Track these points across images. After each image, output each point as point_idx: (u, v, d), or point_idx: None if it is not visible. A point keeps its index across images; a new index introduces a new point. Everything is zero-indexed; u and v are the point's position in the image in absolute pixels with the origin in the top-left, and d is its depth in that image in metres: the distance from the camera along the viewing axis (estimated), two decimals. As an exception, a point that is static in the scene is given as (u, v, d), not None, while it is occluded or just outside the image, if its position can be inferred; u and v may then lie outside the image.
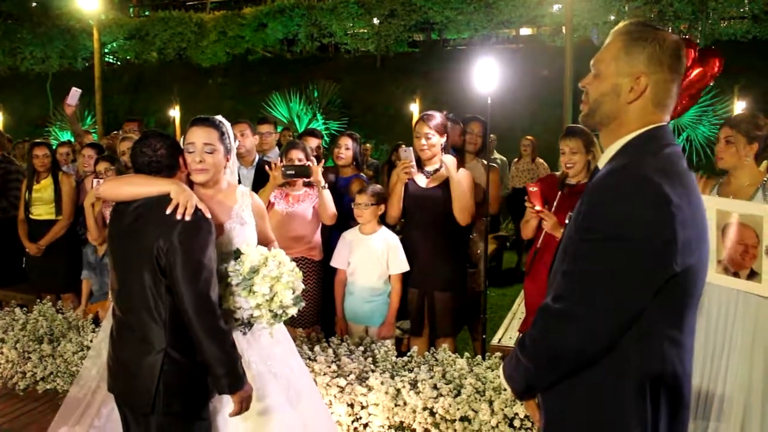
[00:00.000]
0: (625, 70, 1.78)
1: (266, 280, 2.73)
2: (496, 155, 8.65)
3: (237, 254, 2.78)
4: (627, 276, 1.63)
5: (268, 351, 2.96)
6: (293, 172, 4.25)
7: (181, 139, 2.94)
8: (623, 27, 1.84)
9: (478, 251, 4.92)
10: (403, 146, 4.46)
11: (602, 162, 1.86)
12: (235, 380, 2.54)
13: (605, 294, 1.65)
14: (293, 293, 2.81)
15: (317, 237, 4.54)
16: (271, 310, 2.77)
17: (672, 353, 1.74)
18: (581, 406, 1.79)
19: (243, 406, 2.61)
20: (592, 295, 1.67)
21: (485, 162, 4.94)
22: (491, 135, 7.63)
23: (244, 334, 2.84)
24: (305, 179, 4.40)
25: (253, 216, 3.01)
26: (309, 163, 4.35)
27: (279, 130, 8.03)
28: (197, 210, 2.55)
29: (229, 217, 2.91)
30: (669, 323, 1.72)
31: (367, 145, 11.27)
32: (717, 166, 3.65)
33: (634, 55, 1.77)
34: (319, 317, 4.53)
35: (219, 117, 2.96)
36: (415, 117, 14.89)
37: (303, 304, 2.89)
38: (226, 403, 2.76)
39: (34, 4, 20.69)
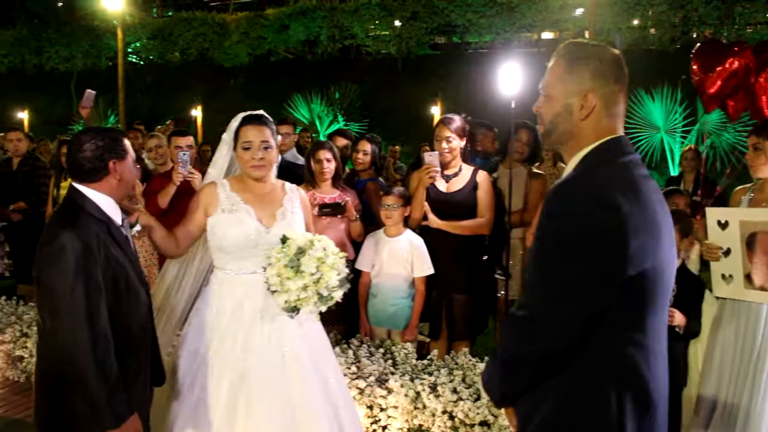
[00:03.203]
0: (573, 90, 1.85)
1: (312, 261, 2.80)
2: (560, 164, 8.39)
3: (284, 240, 2.86)
4: (582, 280, 1.69)
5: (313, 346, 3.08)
6: (329, 210, 4.33)
7: (228, 137, 3.07)
8: (563, 49, 1.92)
9: (519, 258, 4.95)
10: (428, 151, 4.46)
11: (565, 174, 1.91)
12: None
13: (562, 299, 1.71)
14: (338, 275, 2.87)
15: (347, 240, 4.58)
16: (317, 292, 2.82)
17: (637, 357, 1.78)
18: (549, 411, 1.83)
19: None
20: (550, 300, 1.73)
21: (533, 170, 4.97)
22: None
23: (292, 317, 2.91)
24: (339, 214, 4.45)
25: (300, 208, 3.14)
26: (344, 200, 4.40)
27: (297, 131, 8.06)
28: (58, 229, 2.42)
29: (281, 206, 3.05)
30: (631, 327, 1.77)
31: (396, 147, 11.21)
32: (752, 175, 3.64)
33: (579, 74, 1.84)
34: (347, 315, 4.53)
35: (264, 113, 3.11)
36: (437, 119, 14.87)
37: (348, 286, 2.96)
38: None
39: (60, 4, 20.93)
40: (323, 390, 3.04)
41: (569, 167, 1.91)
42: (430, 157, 4.27)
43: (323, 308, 2.90)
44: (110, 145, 2.60)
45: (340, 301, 2.93)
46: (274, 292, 2.82)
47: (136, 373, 2.70)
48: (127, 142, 2.70)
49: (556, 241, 1.73)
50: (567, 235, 1.71)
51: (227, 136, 3.17)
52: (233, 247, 3.00)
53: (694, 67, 4.56)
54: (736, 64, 4.38)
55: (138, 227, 3.11)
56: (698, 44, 4.69)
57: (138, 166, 5.43)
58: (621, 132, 1.90)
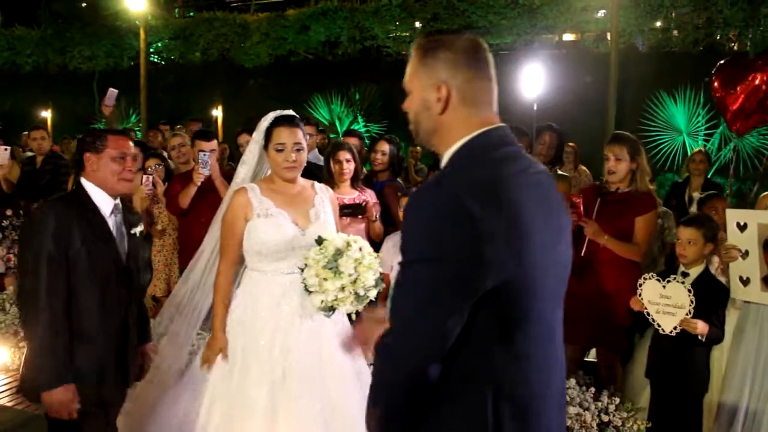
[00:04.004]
0: (427, 83, 1.79)
1: (350, 262, 2.85)
2: (581, 167, 8.29)
3: (320, 241, 2.90)
4: (439, 297, 1.60)
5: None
6: (349, 211, 4.37)
7: (258, 136, 3.11)
8: (416, 42, 1.86)
9: None
10: None
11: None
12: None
13: (421, 318, 1.62)
14: (375, 275, 2.93)
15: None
16: (355, 292, 2.86)
17: (511, 369, 1.72)
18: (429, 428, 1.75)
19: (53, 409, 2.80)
20: (409, 321, 1.64)
21: (557, 172, 4.97)
22: (570, 144, 7.55)
23: (328, 317, 2.94)
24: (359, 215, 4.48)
25: (330, 208, 3.19)
26: (364, 201, 4.44)
27: (314, 132, 8.08)
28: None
29: (313, 206, 3.08)
30: (501, 339, 1.70)
31: (418, 148, 11.18)
32: None
33: (430, 66, 1.78)
34: None
35: (295, 114, 3.16)
36: (456, 121, 14.84)
37: (383, 285, 2.99)
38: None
39: (83, 4, 21.13)
40: (359, 388, 3.06)
41: (442, 164, 1.84)
42: None
43: (360, 307, 2.94)
44: (90, 140, 3.00)
45: (374, 299, 2.96)
46: (311, 292, 2.85)
47: (102, 370, 2.93)
48: (111, 141, 2.99)
49: (412, 257, 1.65)
50: (421, 251, 1.63)
51: (257, 136, 3.21)
52: (271, 250, 3.04)
53: (716, 84, 4.53)
54: (758, 79, 4.34)
55: (140, 227, 3.22)
56: (720, 62, 4.64)
57: (161, 166, 5.52)
58: (496, 121, 1.81)
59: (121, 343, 3.02)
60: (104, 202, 3.02)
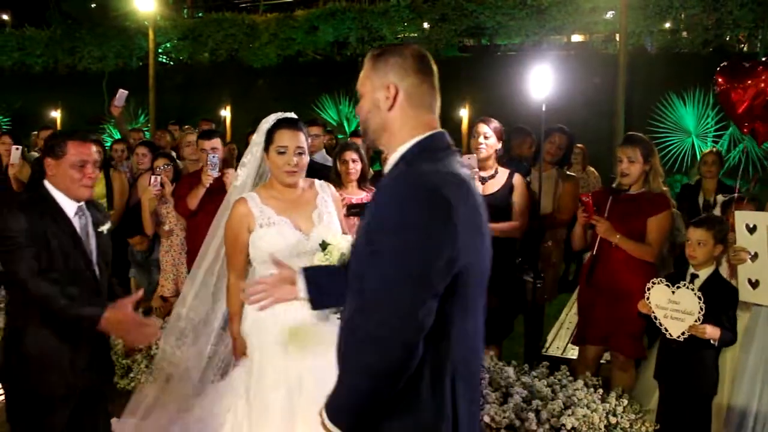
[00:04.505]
0: (378, 84, 1.97)
1: None
2: (590, 168, 8.29)
3: (324, 246, 2.84)
4: (417, 274, 1.73)
5: None
6: (357, 211, 4.39)
7: (259, 138, 3.08)
8: (369, 53, 2.08)
9: (551, 262, 4.94)
10: (467, 155, 4.50)
11: (386, 169, 2.01)
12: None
13: (401, 297, 1.73)
14: None
15: None
16: None
17: (466, 344, 1.93)
18: (396, 410, 1.84)
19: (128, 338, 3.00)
20: (388, 302, 1.73)
21: (565, 173, 4.97)
22: (579, 145, 7.55)
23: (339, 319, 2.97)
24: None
25: (334, 206, 3.14)
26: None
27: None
28: None
29: (315, 207, 3.04)
30: (461, 318, 1.89)
31: None
32: None
33: (381, 69, 1.97)
34: None
35: (297, 117, 3.12)
36: (465, 122, 14.83)
37: None
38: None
39: (93, 5, 21.21)
40: None
41: (389, 163, 1.98)
42: (468, 160, 4.31)
43: None
44: (51, 146, 3.04)
45: None
46: None
47: (72, 360, 3.02)
48: (71, 148, 3.02)
49: (388, 241, 1.76)
50: (399, 235, 1.74)
51: (258, 138, 3.16)
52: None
53: (720, 80, 4.49)
54: (762, 84, 4.31)
55: (108, 225, 3.27)
56: (723, 63, 4.59)
57: (169, 166, 5.53)
58: (438, 126, 1.99)
59: (90, 335, 3.09)
60: (68, 205, 3.07)
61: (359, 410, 1.82)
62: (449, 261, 1.76)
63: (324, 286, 2.34)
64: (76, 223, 3.09)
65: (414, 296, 1.73)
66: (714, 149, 6.94)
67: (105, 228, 3.24)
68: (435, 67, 2.01)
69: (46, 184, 3.05)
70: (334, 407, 1.86)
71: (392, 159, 1.98)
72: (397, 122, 1.96)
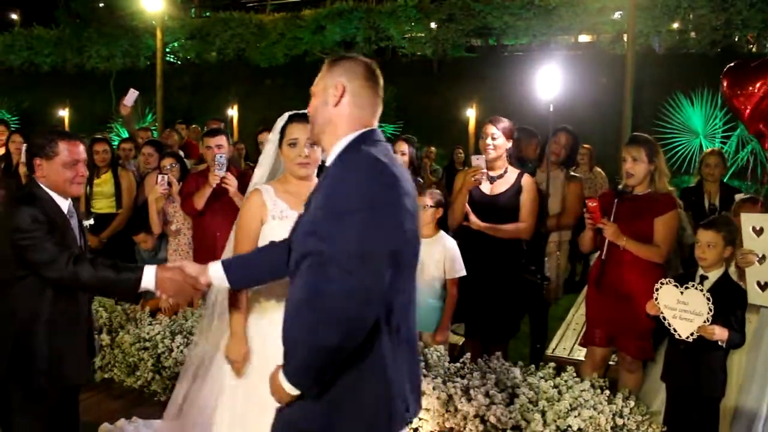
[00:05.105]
0: (330, 83, 2.19)
1: None
2: (597, 169, 8.25)
3: None
4: (375, 249, 1.90)
5: None
6: None
7: (274, 136, 3.10)
8: (327, 58, 2.29)
9: (557, 263, 4.94)
10: (475, 155, 4.50)
11: (329, 161, 2.19)
12: None
13: (371, 255, 1.90)
14: None
15: None
16: None
17: (406, 310, 2.15)
18: (348, 370, 2.02)
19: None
20: (358, 272, 1.89)
21: (570, 173, 4.95)
22: (586, 145, 7.51)
23: None
24: None
25: None
26: None
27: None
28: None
29: None
30: (404, 285, 2.09)
31: (432, 148, 11.20)
32: None
33: (335, 71, 2.20)
34: None
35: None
36: (472, 122, 14.81)
37: None
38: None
39: (101, 5, 21.30)
40: None
41: (333, 153, 2.18)
42: (477, 161, 4.30)
43: None
44: (39, 146, 3.04)
45: None
46: None
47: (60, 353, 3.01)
48: (62, 147, 3.04)
49: (355, 208, 1.92)
50: (356, 207, 1.91)
51: (273, 136, 3.18)
52: None
53: (725, 83, 4.45)
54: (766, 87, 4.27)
55: (91, 221, 3.31)
56: (729, 65, 4.53)
57: (176, 165, 5.53)
58: (375, 126, 2.22)
59: (83, 327, 3.17)
60: (61, 203, 3.10)
61: (317, 373, 1.99)
62: (405, 231, 1.97)
63: (240, 265, 2.63)
64: (73, 218, 3.17)
65: (379, 267, 1.90)
66: (716, 149, 6.42)
67: (88, 223, 3.30)
68: (381, 81, 2.25)
69: (38, 182, 3.06)
70: (291, 371, 2.03)
71: (335, 149, 2.17)
72: (340, 118, 2.17)
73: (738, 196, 5.00)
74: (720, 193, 5.51)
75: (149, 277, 2.82)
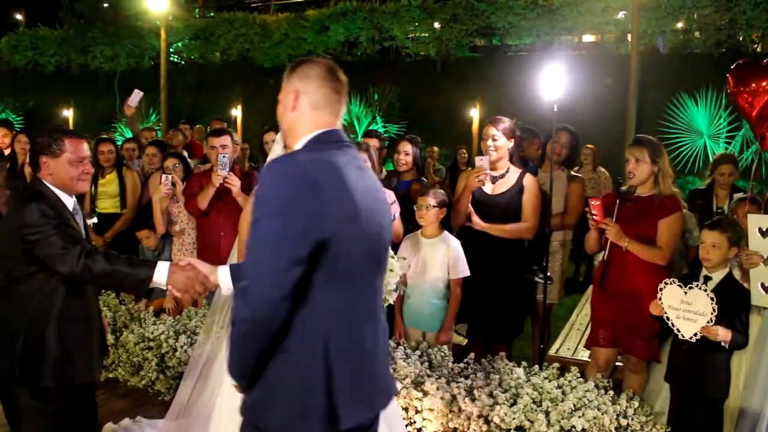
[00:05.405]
0: (288, 89, 2.28)
1: None
2: (600, 169, 8.24)
3: None
4: (284, 243, 1.96)
5: None
6: None
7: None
8: (289, 64, 2.36)
9: (559, 262, 4.93)
10: (479, 156, 4.50)
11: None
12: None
13: (268, 261, 1.96)
14: (395, 278, 3.04)
15: None
16: None
17: (340, 319, 2.10)
18: (274, 379, 2.07)
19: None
20: (259, 265, 1.98)
21: (572, 173, 4.94)
22: (589, 145, 7.48)
23: None
24: None
25: None
26: None
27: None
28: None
29: None
30: (328, 285, 2.06)
31: (435, 148, 11.21)
32: None
33: (292, 78, 2.29)
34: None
35: None
36: (475, 122, 14.80)
37: (405, 287, 2.98)
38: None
39: (105, 5, 21.33)
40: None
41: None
42: (481, 161, 4.30)
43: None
44: (45, 144, 3.07)
45: (392, 303, 2.95)
46: None
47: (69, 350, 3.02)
48: (68, 144, 3.08)
49: (265, 212, 2.00)
50: (274, 207, 1.99)
51: (280, 135, 3.21)
52: None
53: (730, 80, 4.42)
54: None
55: (94, 219, 3.32)
56: (736, 63, 4.50)
57: (179, 166, 5.53)
58: (337, 126, 2.30)
59: (93, 324, 3.19)
60: (66, 200, 3.13)
61: (241, 362, 2.06)
62: (311, 232, 1.98)
63: None
64: (78, 215, 3.19)
65: (276, 261, 1.96)
66: (729, 154, 6.41)
67: (91, 222, 3.31)
68: (344, 78, 2.33)
69: (43, 180, 3.09)
70: (228, 364, 2.11)
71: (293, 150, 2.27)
72: (297, 121, 2.26)
73: (736, 196, 5.00)
74: (729, 198, 5.44)
75: (162, 272, 2.85)
